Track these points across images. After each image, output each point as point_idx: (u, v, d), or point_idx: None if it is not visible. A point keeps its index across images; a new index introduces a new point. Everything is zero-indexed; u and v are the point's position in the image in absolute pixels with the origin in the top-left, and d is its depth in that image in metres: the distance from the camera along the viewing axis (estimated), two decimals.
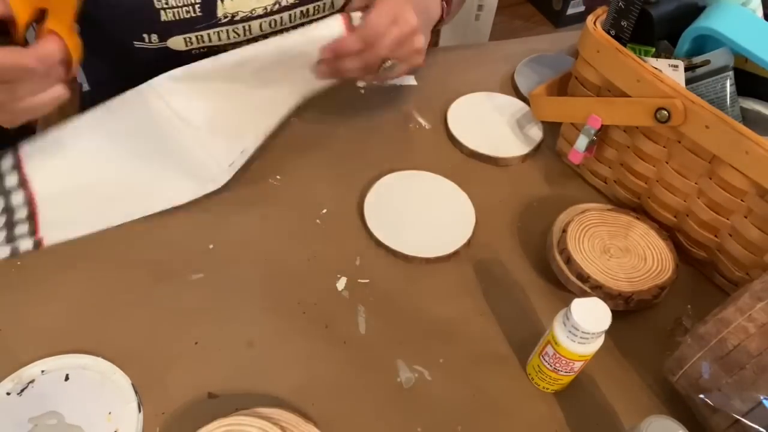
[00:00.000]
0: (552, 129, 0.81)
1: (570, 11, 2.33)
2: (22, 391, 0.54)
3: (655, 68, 0.63)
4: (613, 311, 0.52)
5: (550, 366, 0.56)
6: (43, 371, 0.56)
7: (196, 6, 0.69)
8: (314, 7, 0.78)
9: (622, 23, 0.65)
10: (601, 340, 0.54)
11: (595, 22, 0.67)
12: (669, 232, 0.69)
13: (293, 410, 0.54)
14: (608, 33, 0.66)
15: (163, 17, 0.69)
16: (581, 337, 0.52)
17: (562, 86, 0.76)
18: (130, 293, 0.62)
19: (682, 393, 0.55)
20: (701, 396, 0.52)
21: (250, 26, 0.75)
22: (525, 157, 0.79)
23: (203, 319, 0.61)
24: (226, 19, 0.72)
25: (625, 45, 0.65)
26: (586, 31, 0.67)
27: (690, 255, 0.69)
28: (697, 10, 0.67)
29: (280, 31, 0.78)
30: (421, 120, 0.82)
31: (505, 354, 0.61)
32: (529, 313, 0.65)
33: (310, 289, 0.64)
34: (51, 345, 0.57)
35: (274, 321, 0.62)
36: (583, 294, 0.62)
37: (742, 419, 0.50)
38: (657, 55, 0.68)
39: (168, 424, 0.54)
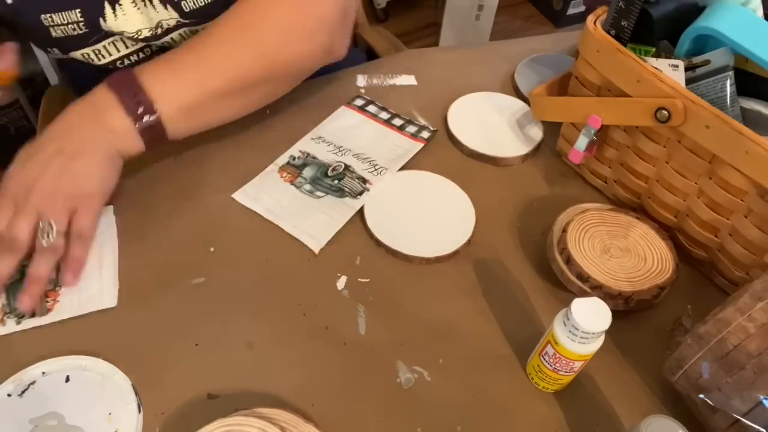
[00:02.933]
0: (552, 129, 0.81)
1: (570, 11, 2.33)
2: (23, 392, 0.54)
3: (656, 68, 0.63)
4: (613, 311, 0.52)
5: (550, 366, 0.56)
6: (43, 372, 0.56)
7: (80, 24, 0.68)
8: (203, 28, 0.73)
9: (623, 23, 0.65)
10: (601, 340, 0.54)
11: (595, 22, 0.67)
12: (669, 232, 0.69)
13: (293, 410, 0.54)
14: (608, 33, 0.66)
15: (54, 34, 0.68)
16: (581, 337, 0.52)
17: (563, 86, 0.76)
18: (130, 295, 0.62)
19: (682, 393, 0.55)
20: (701, 396, 0.52)
21: (149, 46, 0.74)
22: (525, 157, 0.79)
23: (204, 321, 0.61)
24: (116, 35, 0.71)
25: (625, 45, 0.65)
26: (587, 31, 0.67)
27: (690, 255, 0.69)
28: (698, 10, 0.67)
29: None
30: (421, 120, 0.82)
31: (505, 354, 0.62)
32: (529, 313, 0.65)
33: (310, 290, 0.64)
34: (52, 346, 0.58)
35: (274, 322, 0.62)
36: (583, 294, 0.62)
37: (742, 419, 0.50)
38: (657, 55, 0.68)
39: (168, 424, 0.54)
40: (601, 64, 0.66)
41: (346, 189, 0.72)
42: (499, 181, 0.77)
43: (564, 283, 0.65)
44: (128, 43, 0.73)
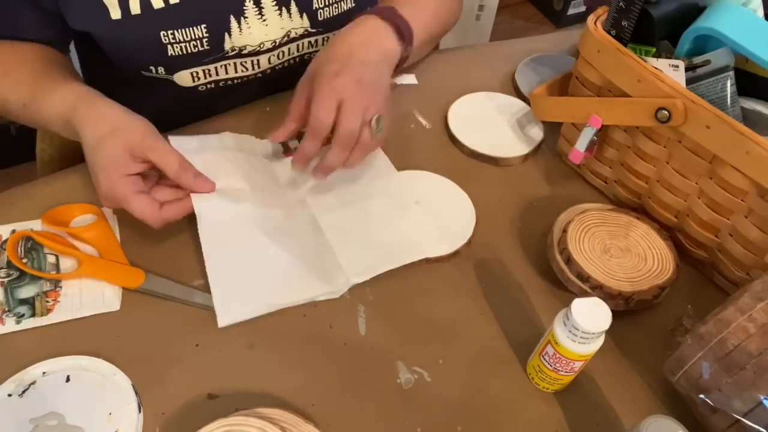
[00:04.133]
0: (552, 129, 0.81)
1: (571, 11, 2.33)
2: (23, 392, 0.54)
3: (656, 68, 0.63)
4: (613, 311, 0.52)
5: (551, 366, 0.56)
6: (44, 373, 0.56)
7: (204, 40, 0.69)
8: (323, 39, 0.77)
9: (623, 23, 0.65)
10: (601, 340, 0.54)
11: (595, 22, 0.67)
12: (669, 232, 0.69)
13: (293, 410, 0.54)
14: (609, 33, 0.66)
15: (170, 52, 0.68)
16: (581, 337, 0.52)
17: (563, 86, 0.76)
18: (131, 295, 0.62)
19: (682, 393, 0.55)
20: (701, 396, 0.52)
21: (258, 60, 0.75)
22: (525, 157, 0.79)
23: (204, 322, 0.61)
24: (233, 53, 0.72)
25: (625, 45, 0.65)
26: (587, 31, 0.67)
27: (690, 255, 0.69)
28: (698, 11, 0.67)
29: (287, 62, 0.78)
30: (421, 120, 0.82)
31: (505, 354, 0.62)
32: (529, 313, 0.65)
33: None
34: (52, 346, 0.58)
35: (274, 322, 0.61)
36: (584, 294, 0.62)
37: (742, 419, 0.50)
38: (657, 55, 0.68)
39: (168, 424, 0.54)
40: (602, 64, 0.66)
41: None
42: (499, 181, 0.77)
43: (564, 283, 0.65)
44: (239, 68, 0.74)
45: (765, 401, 0.49)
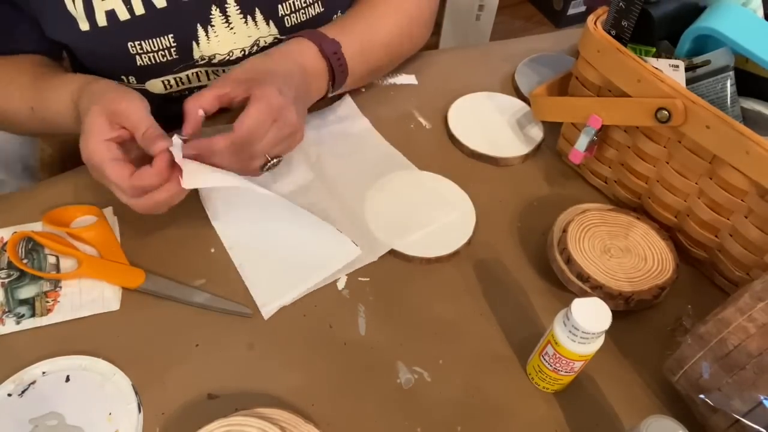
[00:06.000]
0: (552, 129, 0.81)
1: (571, 11, 2.32)
2: (23, 392, 0.55)
3: (656, 68, 0.63)
4: (613, 311, 0.52)
5: (551, 366, 0.56)
6: (44, 372, 0.56)
7: (172, 50, 0.69)
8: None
9: (623, 23, 0.65)
10: (601, 340, 0.54)
11: (595, 22, 0.67)
12: (669, 232, 0.69)
13: (293, 410, 0.54)
14: (609, 33, 0.66)
15: (139, 62, 0.68)
16: (581, 337, 0.52)
17: (563, 86, 0.76)
18: (131, 295, 0.62)
19: (682, 393, 0.55)
20: (701, 396, 0.52)
21: (230, 69, 0.74)
22: (525, 157, 0.79)
23: (204, 322, 0.61)
24: (203, 62, 0.71)
25: (625, 45, 0.65)
26: (587, 31, 0.67)
27: (690, 255, 0.69)
28: (698, 10, 0.67)
29: None
30: (421, 120, 0.82)
31: (505, 354, 0.62)
32: (529, 313, 0.65)
33: (310, 290, 0.64)
34: (52, 346, 0.58)
35: (274, 322, 0.62)
36: (584, 294, 0.62)
37: (742, 419, 0.50)
38: (657, 55, 0.68)
39: (168, 424, 0.54)
40: (602, 64, 0.66)
41: None
42: (499, 181, 0.77)
43: (564, 283, 0.65)
44: (211, 75, 0.74)
45: (765, 401, 0.49)
